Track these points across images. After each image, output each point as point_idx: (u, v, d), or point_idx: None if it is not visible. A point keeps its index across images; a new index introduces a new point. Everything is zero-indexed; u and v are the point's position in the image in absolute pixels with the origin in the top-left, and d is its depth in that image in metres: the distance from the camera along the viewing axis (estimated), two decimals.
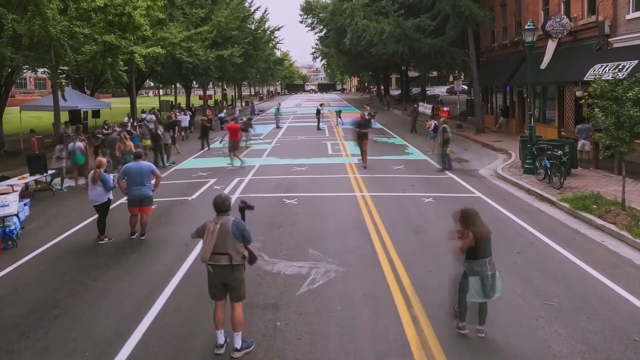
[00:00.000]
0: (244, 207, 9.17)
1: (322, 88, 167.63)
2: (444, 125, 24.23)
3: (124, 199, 16.74)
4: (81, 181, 21.84)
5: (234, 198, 18.70)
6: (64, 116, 35.25)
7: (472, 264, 8.71)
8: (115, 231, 15.11)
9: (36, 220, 17.08)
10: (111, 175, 15.39)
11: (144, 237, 14.58)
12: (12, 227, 14.49)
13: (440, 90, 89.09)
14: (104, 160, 15.33)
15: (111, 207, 18.59)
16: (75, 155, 21.82)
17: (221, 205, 8.57)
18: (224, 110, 53.25)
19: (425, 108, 59.94)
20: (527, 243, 13.50)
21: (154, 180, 14.92)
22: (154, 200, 15.28)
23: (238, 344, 8.34)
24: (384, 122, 48.58)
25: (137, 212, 14.59)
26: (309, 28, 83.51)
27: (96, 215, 15.10)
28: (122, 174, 14.61)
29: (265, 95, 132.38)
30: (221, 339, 8.52)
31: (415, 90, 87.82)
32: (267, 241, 13.85)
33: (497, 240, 13.62)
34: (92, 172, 14.64)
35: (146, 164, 14.90)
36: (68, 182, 22.22)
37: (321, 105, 48.89)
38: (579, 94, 24.91)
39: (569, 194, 17.67)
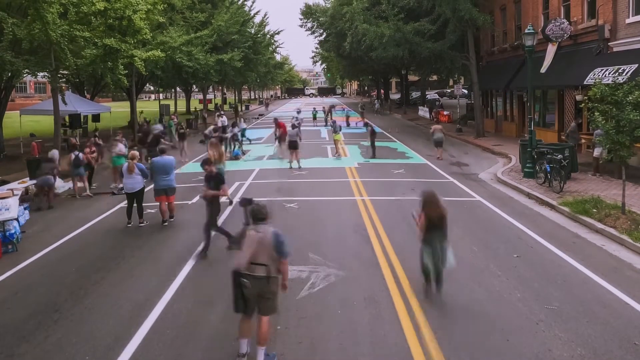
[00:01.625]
0: (246, 202, 9.21)
1: (322, 92, 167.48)
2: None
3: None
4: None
5: (234, 202, 18.74)
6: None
7: (425, 239, 10.35)
8: (117, 232, 15.14)
9: (36, 224, 17.07)
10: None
11: (172, 219, 16.71)
12: (12, 231, 14.49)
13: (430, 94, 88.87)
14: (136, 153, 17.47)
15: (114, 209, 18.71)
16: (113, 157, 22.49)
17: (259, 214, 8.31)
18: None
19: (424, 112, 60.00)
20: (527, 247, 13.49)
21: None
22: (154, 204, 16.05)
23: (261, 357, 8.07)
24: (384, 126, 48.54)
25: (165, 199, 16.42)
26: (309, 32, 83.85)
27: (99, 218, 15.35)
28: (151, 166, 16.63)
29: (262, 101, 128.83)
30: (244, 349, 8.24)
31: (415, 94, 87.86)
32: None
33: (497, 244, 13.69)
34: (128, 163, 16.52)
35: (169, 158, 16.87)
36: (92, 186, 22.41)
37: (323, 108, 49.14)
38: (579, 97, 24.95)
39: (569, 197, 17.67)
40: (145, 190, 16.91)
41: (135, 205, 16.55)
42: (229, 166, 25.91)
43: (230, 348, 8.48)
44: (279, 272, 8.25)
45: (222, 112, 50.27)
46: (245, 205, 9.25)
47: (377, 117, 60.39)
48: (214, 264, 12.64)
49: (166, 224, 16.31)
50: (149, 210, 17.32)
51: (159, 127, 35.94)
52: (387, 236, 14.46)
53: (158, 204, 16.61)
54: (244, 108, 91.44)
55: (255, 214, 8.32)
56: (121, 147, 22.41)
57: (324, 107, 57.44)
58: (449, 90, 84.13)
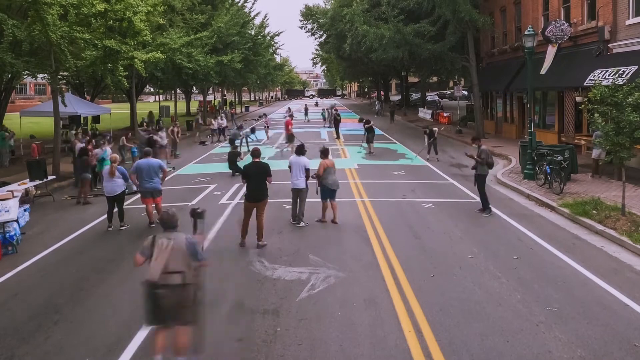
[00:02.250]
0: (196, 214, 8.93)
1: (322, 93, 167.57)
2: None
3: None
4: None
5: (233, 203, 18.77)
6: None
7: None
8: (118, 234, 15.16)
9: (36, 226, 17.07)
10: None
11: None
12: (12, 233, 14.50)
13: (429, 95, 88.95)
14: (117, 156, 17.43)
15: (114, 210, 18.71)
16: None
17: (169, 222, 8.04)
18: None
19: (425, 113, 60.02)
20: (527, 248, 13.50)
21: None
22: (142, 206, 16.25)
23: None
24: (384, 128, 48.56)
25: (151, 202, 16.34)
26: (309, 33, 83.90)
27: (99, 220, 15.38)
28: (134, 169, 16.25)
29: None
30: None
31: (415, 96, 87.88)
32: (267, 247, 13.86)
33: (497, 245, 13.70)
34: (109, 166, 16.40)
35: (154, 160, 16.62)
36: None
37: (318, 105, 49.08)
38: (578, 99, 24.96)
39: (569, 199, 17.68)
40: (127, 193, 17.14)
41: (116, 209, 16.42)
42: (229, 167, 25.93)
43: (230, 350, 8.47)
44: (196, 278, 7.95)
45: (222, 114, 50.24)
46: (195, 217, 8.96)
47: (378, 118, 60.34)
48: (214, 265, 12.63)
49: (153, 225, 15.99)
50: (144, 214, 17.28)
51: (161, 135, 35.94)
52: (387, 237, 14.47)
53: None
54: (243, 110, 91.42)
55: (166, 221, 8.05)
56: (97, 151, 21.77)
57: (325, 109, 57.64)
58: (449, 92, 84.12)
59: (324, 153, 16.66)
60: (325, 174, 16.14)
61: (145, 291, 7.71)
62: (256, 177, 14.33)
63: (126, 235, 15.47)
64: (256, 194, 14.31)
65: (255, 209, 14.26)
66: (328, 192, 16.15)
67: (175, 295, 7.63)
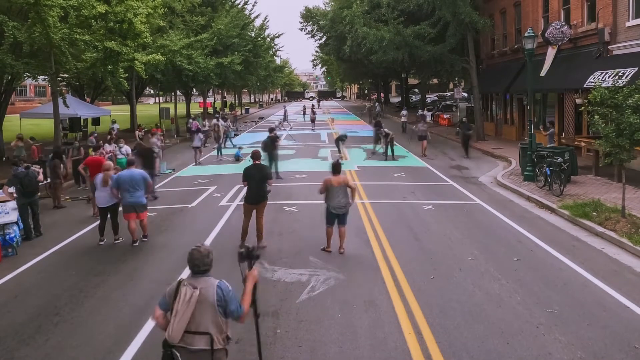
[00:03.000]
0: (248, 255, 6.65)
1: (322, 95, 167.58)
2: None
3: None
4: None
5: (233, 206, 18.72)
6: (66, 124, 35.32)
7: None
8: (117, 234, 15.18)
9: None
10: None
11: (146, 239, 14.86)
12: (12, 235, 14.47)
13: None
14: (111, 163, 16.12)
15: None
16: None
17: (200, 263, 6.01)
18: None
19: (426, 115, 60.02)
20: (527, 250, 13.49)
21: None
22: (154, 207, 15.47)
23: None
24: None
25: (134, 217, 14.62)
26: (309, 35, 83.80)
27: (97, 222, 15.35)
28: (115, 182, 14.55)
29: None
30: None
31: (415, 98, 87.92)
32: (267, 248, 13.83)
33: (497, 247, 13.70)
34: (103, 174, 15.14)
35: (138, 171, 15.09)
36: None
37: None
38: (578, 101, 24.94)
39: (569, 201, 17.67)
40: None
41: (110, 220, 15.19)
42: (230, 169, 25.96)
43: (230, 351, 8.47)
44: (227, 342, 6.10)
45: (218, 115, 50.25)
46: (250, 259, 6.65)
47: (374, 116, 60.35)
48: (214, 267, 12.62)
49: (136, 244, 14.60)
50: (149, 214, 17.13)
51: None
52: (387, 239, 14.47)
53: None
54: (243, 111, 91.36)
55: (194, 262, 6.00)
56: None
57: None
58: (449, 94, 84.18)
59: (334, 168, 13.75)
60: (329, 194, 13.49)
61: (163, 355, 5.94)
62: (256, 180, 14.14)
63: (128, 237, 15.37)
64: (256, 196, 14.17)
65: (254, 211, 14.13)
66: (331, 217, 13.60)
67: None
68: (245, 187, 14.54)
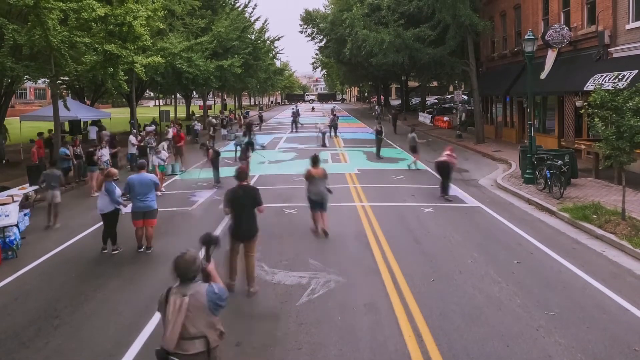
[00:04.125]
0: (211, 241, 7.23)
1: (322, 98, 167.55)
2: None
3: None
4: None
5: None
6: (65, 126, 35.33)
7: None
8: (118, 238, 15.15)
9: (36, 231, 17.05)
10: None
11: (150, 251, 14.34)
12: (12, 238, 14.48)
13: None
14: (115, 171, 15.17)
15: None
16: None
17: (187, 272, 6.00)
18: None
19: (425, 118, 60.08)
20: (527, 253, 13.49)
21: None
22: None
23: None
24: (385, 132, 48.47)
25: (142, 224, 14.27)
26: (309, 38, 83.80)
27: (99, 224, 15.27)
28: (126, 186, 14.25)
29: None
30: None
31: (415, 100, 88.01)
32: (267, 251, 13.83)
33: (497, 250, 13.69)
34: (101, 179, 14.78)
35: (148, 175, 14.87)
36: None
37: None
38: (579, 103, 24.98)
39: (569, 203, 17.67)
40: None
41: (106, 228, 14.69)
42: (230, 172, 25.92)
43: (230, 353, 8.47)
44: (220, 337, 6.10)
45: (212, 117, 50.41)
46: (208, 244, 7.13)
47: (377, 123, 60.40)
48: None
49: (141, 250, 14.36)
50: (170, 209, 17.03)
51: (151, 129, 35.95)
52: (387, 242, 14.46)
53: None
54: (243, 115, 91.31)
55: (181, 270, 5.99)
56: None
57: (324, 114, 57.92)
58: (449, 97, 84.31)
59: (313, 161, 15.61)
60: (310, 184, 15.36)
61: None
62: (243, 206, 11.43)
63: (128, 240, 15.29)
64: (244, 229, 11.45)
65: (242, 246, 11.55)
66: (312, 203, 15.25)
67: None
68: (228, 216, 12.01)
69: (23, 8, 22.16)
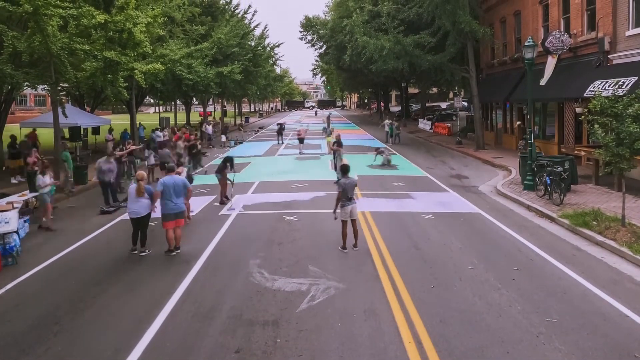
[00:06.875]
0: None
1: (322, 105, 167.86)
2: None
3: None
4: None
5: (234, 213, 18.77)
6: (65, 133, 35.27)
7: None
8: (116, 244, 15.14)
9: (36, 237, 17.05)
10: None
11: (179, 250, 14.64)
12: (12, 244, 14.47)
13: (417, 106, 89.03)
14: (144, 173, 15.62)
15: (114, 221, 18.65)
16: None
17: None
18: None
19: (425, 124, 60.11)
20: (527, 259, 13.48)
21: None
22: (153, 217, 15.38)
23: None
24: (384, 139, 48.57)
25: (173, 225, 14.63)
26: (309, 45, 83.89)
27: (99, 231, 15.27)
28: (161, 185, 14.64)
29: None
30: None
31: (415, 107, 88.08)
32: (267, 258, 13.85)
33: (497, 256, 13.69)
34: (137, 185, 14.78)
35: (180, 178, 15.24)
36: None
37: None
38: (578, 110, 24.97)
39: (569, 210, 17.68)
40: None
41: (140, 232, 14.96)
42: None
43: None
44: None
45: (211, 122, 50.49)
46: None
47: (378, 129, 60.40)
48: (214, 276, 12.64)
49: (174, 254, 14.54)
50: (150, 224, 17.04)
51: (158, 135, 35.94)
52: (387, 248, 14.46)
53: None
54: (243, 120, 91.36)
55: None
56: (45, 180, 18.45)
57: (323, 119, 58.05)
58: (449, 103, 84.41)
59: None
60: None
61: None
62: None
63: (128, 246, 15.33)
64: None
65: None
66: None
67: None
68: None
69: (23, 15, 22.17)
